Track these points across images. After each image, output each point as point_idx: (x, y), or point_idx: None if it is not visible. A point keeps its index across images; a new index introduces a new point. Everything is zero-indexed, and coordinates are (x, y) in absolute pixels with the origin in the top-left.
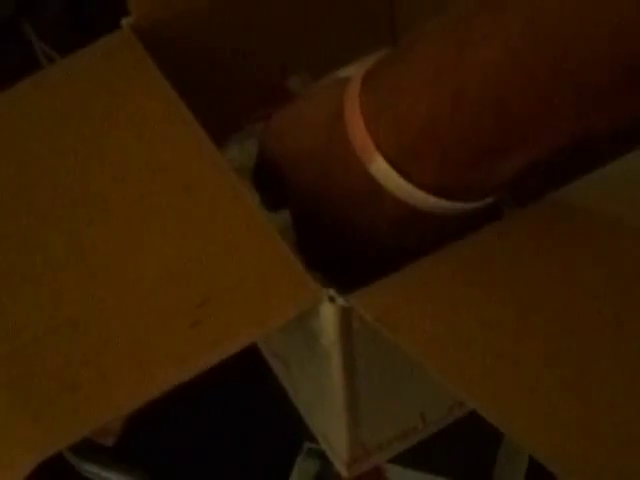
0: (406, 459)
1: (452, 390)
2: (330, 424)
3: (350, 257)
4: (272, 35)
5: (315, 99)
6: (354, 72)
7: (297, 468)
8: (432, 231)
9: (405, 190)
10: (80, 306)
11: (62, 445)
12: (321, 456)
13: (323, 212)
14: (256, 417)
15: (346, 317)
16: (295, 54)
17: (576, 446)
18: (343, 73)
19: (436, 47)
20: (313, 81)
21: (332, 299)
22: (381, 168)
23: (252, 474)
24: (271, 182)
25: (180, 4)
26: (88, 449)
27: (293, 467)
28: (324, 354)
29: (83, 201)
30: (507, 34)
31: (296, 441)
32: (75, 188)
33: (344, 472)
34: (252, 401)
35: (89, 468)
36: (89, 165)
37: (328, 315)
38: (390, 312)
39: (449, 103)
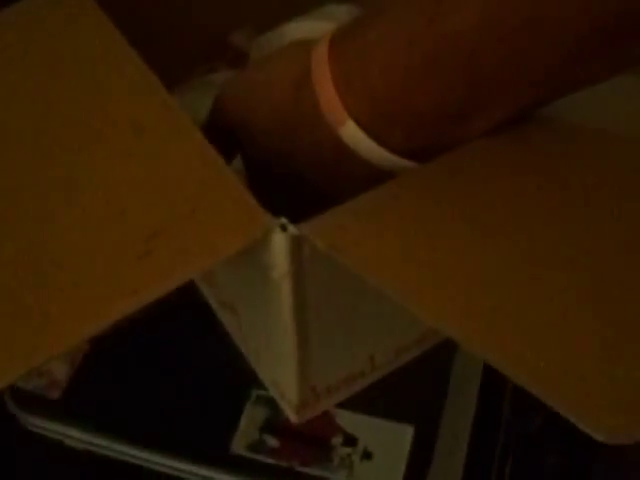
0: (355, 404)
1: (403, 305)
2: (279, 367)
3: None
4: None
5: (279, 63)
6: (304, 28)
7: (245, 415)
8: None
9: (375, 153)
10: (27, 242)
11: (7, 380)
12: (270, 403)
13: (286, 172)
14: (204, 365)
15: (298, 246)
16: (239, 8)
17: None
18: (290, 28)
19: (407, 12)
20: (257, 35)
21: (284, 227)
22: (351, 132)
23: (201, 422)
24: (224, 141)
25: None
26: (33, 402)
27: (242, 414)
28: (274, 289)
29: (32, 145)
30: None
31: (244, 389)
32: (24, 132)
33: (293, 417)
34: (200, 350)
35: (35, 421)
36: (37, 110)
37: (279, 244)
38: (342, 237)
39: (421, 69)
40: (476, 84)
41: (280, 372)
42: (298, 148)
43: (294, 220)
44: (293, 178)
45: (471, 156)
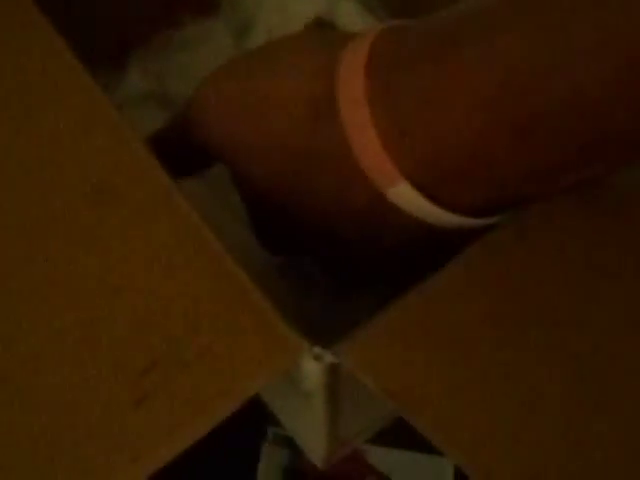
0: (386, 438)
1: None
2: (305, 427)
3: (318, 251)
4: None
5: (291, 70)
6: None
7: (265, 458)
8: (433, 240)
9: (429, 211)
10: None
11: None
12: (289, 444)
13: (295, 209)
14: None
15: (333, 372)
16: None
17: None
18: None
19: (491, 66)
20: None
21: (318, 357)
22: (404, 192)
23: (218, 463)
24: (191, 158)
25: None
26: None
27: (259, 454)
28: (305, 393)
29: None
30: None
31: (259, 427)
32: None
33: (320, 464)
34: None
35: None
36: None
37: (312, 371)
38: (381, 365)
39: (510, 131)
40: (587, 147)
41: (305, 429)
42: (313, 189)
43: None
44: (300, 217)
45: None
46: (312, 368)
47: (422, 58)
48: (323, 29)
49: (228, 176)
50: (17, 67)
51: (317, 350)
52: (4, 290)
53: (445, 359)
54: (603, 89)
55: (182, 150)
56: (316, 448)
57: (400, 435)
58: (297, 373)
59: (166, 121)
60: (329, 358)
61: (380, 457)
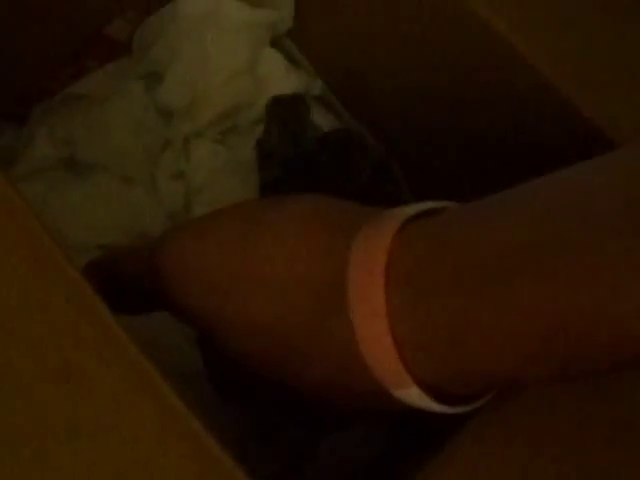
0: None
1: None
2: None
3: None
4: None
5: (286, 256)
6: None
7: None
8: None
9: (432, 407)
10: None
11: None
12: None
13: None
14: None
15: None
16: None
17: None
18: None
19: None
20: (140, 22)
21: None
22: (411, 393)
23: None
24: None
25: None
26: None
27: None
28: None
29: None
30: None
31: None
32: None
33: None
34: None
35: None
36: None
37: None
38: None
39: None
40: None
41: None
42: (301, 367)
43: None
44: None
45: None
46: None
47: (457, 289)
48: (323, 199)
49: None
50: None
51: None
52: None
53: None
54: None
55: (131, 293)
56: None
57: None
58: None
59: (121, 250)
60: None
61: None
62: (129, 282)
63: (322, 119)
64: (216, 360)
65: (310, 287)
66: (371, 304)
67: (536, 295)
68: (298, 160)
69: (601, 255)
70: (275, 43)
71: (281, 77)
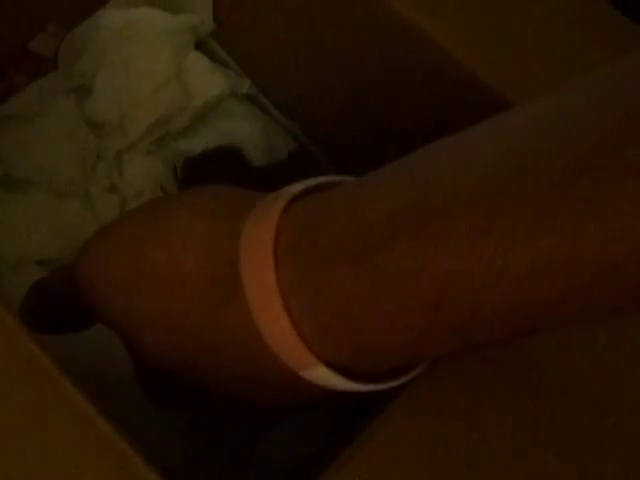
0: None
1: None
2: None
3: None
4: None
5: (184, 246)
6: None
7: None
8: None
9: (344, 385)
10: None
11: None
12: None
13: (193, 373)
14: None
15: None
16: (40, 9)
17: None
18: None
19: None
20: (66, 34)
21: None
22: (319, 372)
23: None
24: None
25: None
26: None
27: None
28: None
29: None
30: None
31: None
32: None
33: None
34: None
35: None
36: None
37: None
38: None
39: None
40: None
41: None
42: (212, 359)
43: None
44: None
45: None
46: None
47: (342, 260)
48: (224, 188)
49: None
50: None
51: None
52: None
53: None
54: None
55: (66, 309)
56: None
57: None
58: None
59: (51, 273)
60: None
61: None
62: (66, 299)
63: (251, 118)
64: (138, 364)
65: (208, 276)
66: (263, 285)
67: (419, 258)
68: None
69: (489, 212)
70: (200, 46)
71: (207, 80)
